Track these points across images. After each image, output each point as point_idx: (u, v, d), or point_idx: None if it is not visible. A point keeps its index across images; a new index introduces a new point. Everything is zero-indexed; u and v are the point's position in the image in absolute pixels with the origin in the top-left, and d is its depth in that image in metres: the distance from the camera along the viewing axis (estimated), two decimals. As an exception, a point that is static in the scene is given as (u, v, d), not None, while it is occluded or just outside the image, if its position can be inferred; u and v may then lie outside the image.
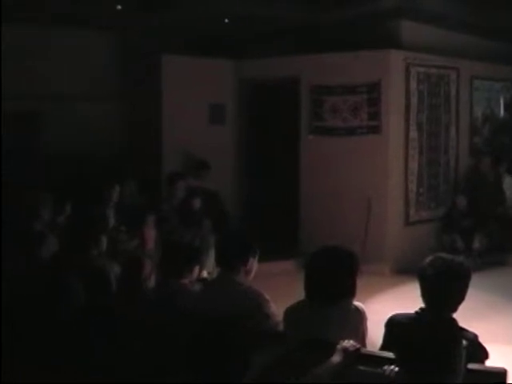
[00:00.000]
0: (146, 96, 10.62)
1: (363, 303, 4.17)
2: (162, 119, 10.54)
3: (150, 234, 7.84)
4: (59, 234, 6.74)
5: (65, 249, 6.26)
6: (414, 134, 10.40)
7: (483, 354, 3.76)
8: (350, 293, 4.02)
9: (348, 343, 3.58)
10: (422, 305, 3.81)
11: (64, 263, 5.61)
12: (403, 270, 9.24)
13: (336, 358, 3.50)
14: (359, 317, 4.02)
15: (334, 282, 3.96)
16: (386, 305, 7.74)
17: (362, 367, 3.51)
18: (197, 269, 4.98)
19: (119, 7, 9.14)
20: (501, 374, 3.48)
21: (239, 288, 4.51)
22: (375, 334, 4.16)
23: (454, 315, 3.80)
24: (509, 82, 12.38)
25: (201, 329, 3.20)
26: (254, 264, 4.65)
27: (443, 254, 3.92)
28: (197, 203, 9.35)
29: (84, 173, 9.40)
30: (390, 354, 3.44)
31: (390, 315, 3.97)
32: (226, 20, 10.10)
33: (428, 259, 3.83)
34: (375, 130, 10.12)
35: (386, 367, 3.35)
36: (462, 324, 3.77)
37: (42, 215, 7.27)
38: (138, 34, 10.46)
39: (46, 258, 6.04)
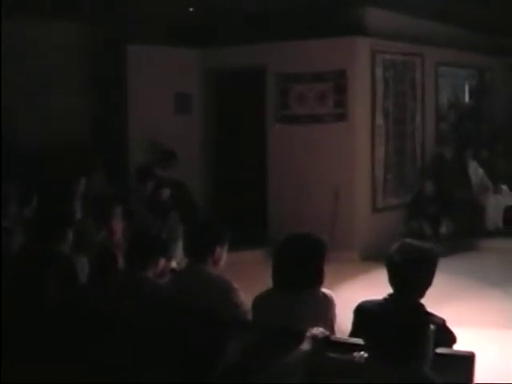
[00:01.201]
0: (111, 86, 10.54)
1: (332, 290, 4.18)
2: (127, 109, 10.48)
3: (118, 225, 7.78)
4: (25, 226, 6.68)
5: (31, 241, 6.20)
6: (380, 121, 10.45)
7: (451, 339, 3.78)
8: (319, 280, 4.03)
9: (317, 330, 3.58)
10: (391, 291, 3.82)
11: (30, 256, 5.55)
12: (371, 257, 9.30)
13: (305, 346, 3.51)
14: (328, 304, 4.03)
15: (302, 270, 3.97)
16: (355, 291, 7.76)
17: (331, 354, 3.51)
18: (162, 261, 4.93)
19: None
20: (469, 358, 3.51)
21: (208, 277, 4.50)
22: (344, 320, 4.17)
23: (423, 299, 3.82)
24: (474, 68, 12.49)
25: (170, 318, 3.19)
26: (221, 253, 4.64)
27: (410, 240, 3.93)
28: (165, 194, 9.32)
29: (50, 164, 9.31)
30: (359, 341, 3.45)
31: (358, 302, 3.98)
32: (192, 9, 10.04)
33: (395, 245, 3.84)
34: (342, 117, 10.15)
35: (355, 353, 3.36)
36: (430, 308, 3.79)
37: (8, 211, 7.18)
38: (103, 24, 10.36)
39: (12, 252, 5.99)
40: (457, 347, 3.74)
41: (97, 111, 10.61)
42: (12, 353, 3.78)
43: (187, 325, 3.09)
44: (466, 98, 12.55)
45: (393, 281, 3.80)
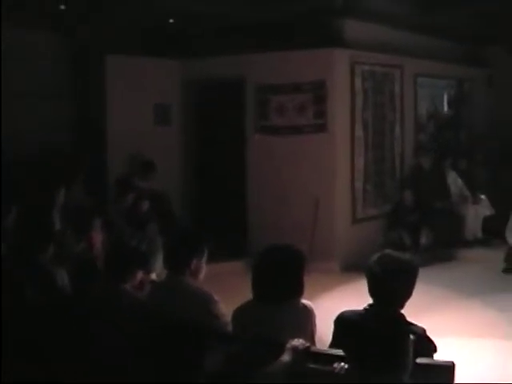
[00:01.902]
0: (91, 96, 10.50)
1: (312, 301, 4.17)
2: (106, 119, 10.43)
3: (97, 237, 7.73)
4: (4, 238, 6.62)
5: (11, 253, 6.15)
6: (359, 132, 10.48)
7: (431, 348, 3.79)
8: (298, 291, 4.02)
9: (297, 342, 3.57)
10: (371, 301, 3.82)
11: (9, 267, 5.51)
12: (351, 267, 9.31)
13: (286, 358, 3.50)
14: (308, 315, 4.03)
15: (282, 281, 3.96)
16: (335, 302, 7.77)
17: (312, 365, 3.50)
18: (139, 273, 4.89)
19: (63, 7, 9.00)
20: (449, 368, 3.52)
21: (187, 289, 4.48)
22: (324, 331, 4.16)
23: (404, 309, 3.82)
24: (453, 78, 12.57)
25: (149, 330, 3.17)
26: (199, 265, 4.60)
27: (390, 251, 3.93)
28: (145, 206, 9.28)
29: (30, 173, 9.23)
30: (340, 352, 3.45)
31: (338, 312, 3.97)
32: (172, 20, 10.04)
33: (375, 256, 3.84)
34: (321, 128, 10.16)
35: (335, 365, 3.35)
36: (411, 318, 3.80)
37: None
38: (83, 34, 10.32)
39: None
40: (437, 357, 3.75)
41: (76, 121, 10.55)
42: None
43: (166, 337, 3.07)
44: (445, 108, 12.63)
45: (373, 291, 3.80)
